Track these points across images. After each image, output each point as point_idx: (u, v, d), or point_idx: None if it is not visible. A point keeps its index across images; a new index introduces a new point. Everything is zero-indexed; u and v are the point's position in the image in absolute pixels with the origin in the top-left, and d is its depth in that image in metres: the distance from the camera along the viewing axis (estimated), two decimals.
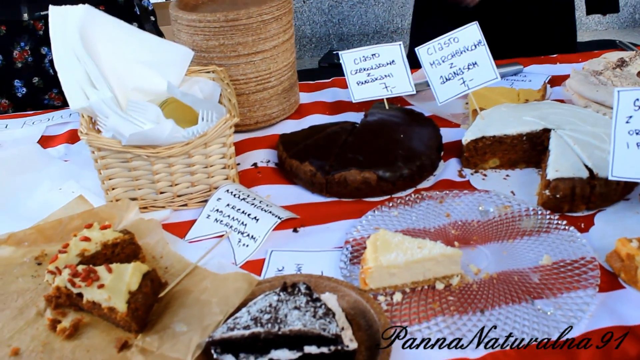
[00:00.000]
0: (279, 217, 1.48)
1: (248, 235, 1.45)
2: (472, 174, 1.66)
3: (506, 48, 2.45)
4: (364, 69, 1.88)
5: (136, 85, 1.67)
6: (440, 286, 1.27)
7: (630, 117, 1.31)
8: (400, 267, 1.23)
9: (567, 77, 2.06)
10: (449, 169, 1.69)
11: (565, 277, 1.28)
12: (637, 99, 1.30)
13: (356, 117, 1.95)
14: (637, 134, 1.30)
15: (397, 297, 1.24)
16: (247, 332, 1.09)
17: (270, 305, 1.13)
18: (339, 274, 1.33)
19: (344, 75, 1.92)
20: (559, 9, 2.69)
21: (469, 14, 2.35)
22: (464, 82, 1.73)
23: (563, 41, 2.71)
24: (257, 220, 1.47)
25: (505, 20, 2.56)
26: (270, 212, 1.49)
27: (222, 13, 1.78)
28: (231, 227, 1.47)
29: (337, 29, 4.84)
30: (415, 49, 1.79)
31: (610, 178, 1.34)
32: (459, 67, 1.74)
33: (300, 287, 1.17)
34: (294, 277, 1.28)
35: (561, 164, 1.49)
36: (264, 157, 1.81)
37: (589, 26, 6.31)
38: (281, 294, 1.15)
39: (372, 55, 1.89)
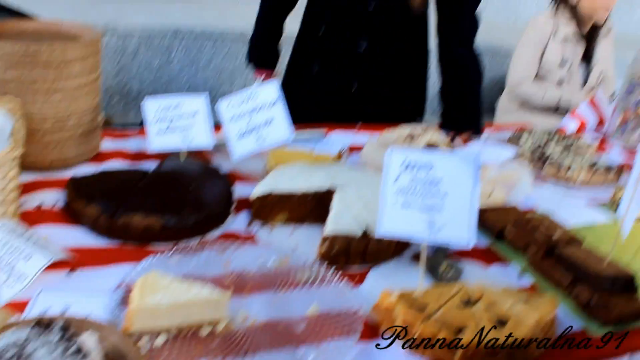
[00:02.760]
0: (51, 257, 1.42)
1: (17, 274, 1.38)
2: (260, 228, 1.69)
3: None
4: (166, 119, 1.88)
5: None
6: (205, 331, 1.27)
7: (398, 177, 1.40)
8: (165, 309, 1.22)
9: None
10: (238, 221, 1.72)
11: (329, 327, 1.33)
12: (405, 160, 1.39)
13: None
14: (403, 194, 1.39)
15: (161, 340, 1.22)
16: None
17: (16, 342, 1.07)
18: (108, 316, 1.29)
19: None
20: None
21: None
22: (259, 138, 1.78)
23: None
24: (29, 259, 1.40)
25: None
26: (43, 251, 1.43)
27: (23, 44, 1.73)
28: None
29: (165, 89, 4.82)
30: (218, 103, 1.82)
31: (377, 236, 1.42)
32: (257, 124, 1.79)
33: (55, 325, 1.12)
34: (54, 317, 1.22)
35: (339, 221, 1.56)
36: (52, 199, 1.73)
37: None
38: (32, 330, 1.10)
39: (176, 105, 1.90)
